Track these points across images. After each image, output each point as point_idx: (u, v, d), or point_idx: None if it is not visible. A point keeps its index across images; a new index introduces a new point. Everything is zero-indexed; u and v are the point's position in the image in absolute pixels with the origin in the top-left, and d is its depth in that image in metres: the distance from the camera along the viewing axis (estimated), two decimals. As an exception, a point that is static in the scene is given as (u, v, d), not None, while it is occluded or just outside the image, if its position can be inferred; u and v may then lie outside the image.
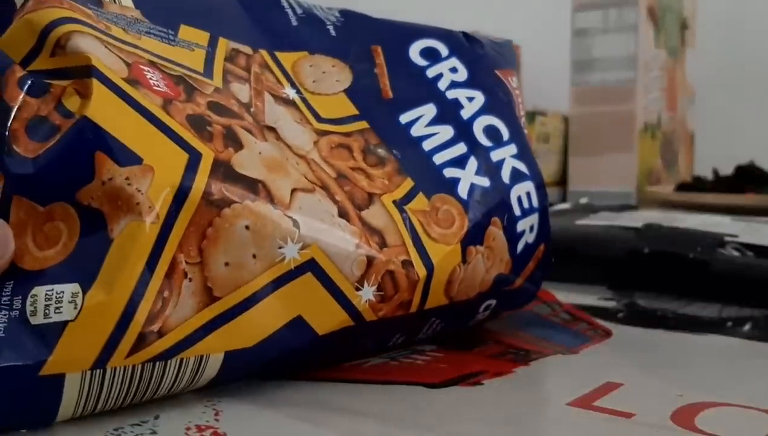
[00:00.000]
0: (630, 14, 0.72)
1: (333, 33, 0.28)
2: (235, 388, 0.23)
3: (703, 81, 0.88)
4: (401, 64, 0.29)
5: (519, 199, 0.29)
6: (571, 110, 0.76)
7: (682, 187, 0.68)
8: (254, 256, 0.21)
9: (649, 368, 0.26)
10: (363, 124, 0.27)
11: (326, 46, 0.28)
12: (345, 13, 0.29)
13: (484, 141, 0.29)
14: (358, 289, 0.23)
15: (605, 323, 0.33)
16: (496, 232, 0.27)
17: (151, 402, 0.22)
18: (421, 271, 0.25)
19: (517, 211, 0.28)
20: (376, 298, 0.24)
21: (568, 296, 0.38)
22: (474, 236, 0.26)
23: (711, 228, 0.42)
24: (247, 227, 0.21)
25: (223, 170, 0.21)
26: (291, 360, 0.23)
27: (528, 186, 0.29)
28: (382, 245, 0.24)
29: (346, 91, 0.27)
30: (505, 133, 0.29)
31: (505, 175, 0.28)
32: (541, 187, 0.30)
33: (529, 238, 0.29)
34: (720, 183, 0.66)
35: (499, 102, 0.30)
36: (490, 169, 0.28)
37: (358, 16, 0.30)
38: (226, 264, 0.21)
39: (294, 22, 0.28)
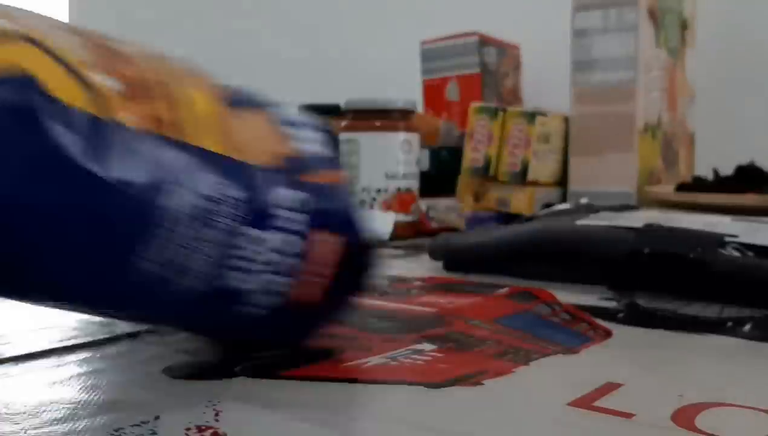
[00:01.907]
0: (630, 14, 0.72)
1: None
2: (235, 388, 0.23)
3: (703, 81, 0.88)
4: None
5: None
6: (572, 110, 0.76)
7: (682, 187, 0.68)
8: None
9: (649, 368, 0.26)
10: None
11: None
12: None
13: None
14: None
15: (605, 323, 0.33)
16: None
17: (152, 403, 0.22)
18: None
19: None
20: None
21: (568, 296, 0.38)
22: None
23: (711, 228, 0.42)
24: None
25: None
26: None
27: None
28: None
29: None
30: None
31: None
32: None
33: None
34: (720, 183, 0.66)
35: None
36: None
37: None
38: None
39: None
